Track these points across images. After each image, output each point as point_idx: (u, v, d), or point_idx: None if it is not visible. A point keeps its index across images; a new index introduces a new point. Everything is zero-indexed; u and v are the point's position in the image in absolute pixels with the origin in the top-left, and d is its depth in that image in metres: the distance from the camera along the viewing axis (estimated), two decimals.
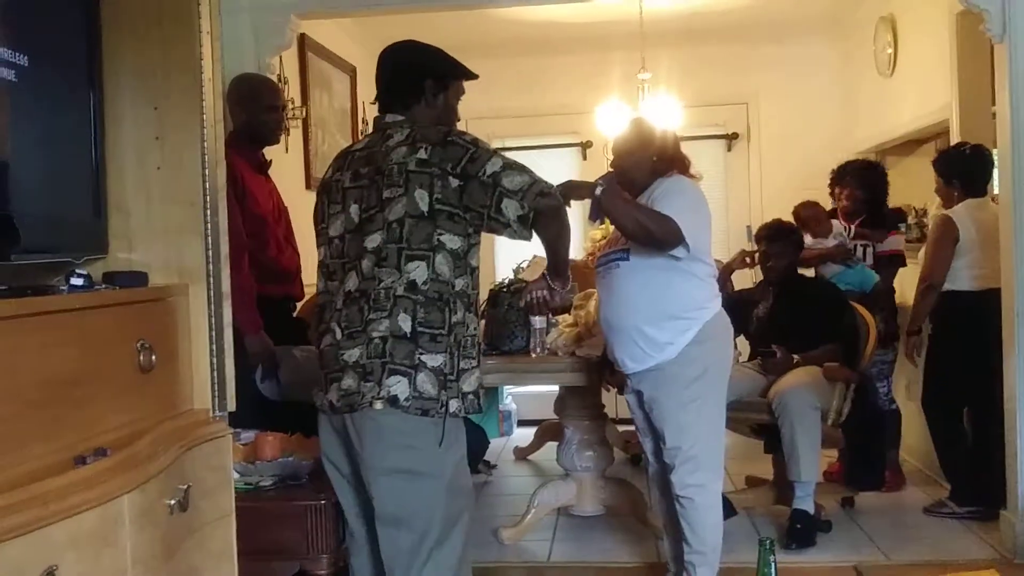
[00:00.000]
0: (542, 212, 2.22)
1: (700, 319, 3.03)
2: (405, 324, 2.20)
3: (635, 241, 3.02)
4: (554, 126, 6.80)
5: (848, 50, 6.26)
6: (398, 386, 2.18)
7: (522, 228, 2.22)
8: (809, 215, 4.82)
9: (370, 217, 2.25)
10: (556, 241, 2.37)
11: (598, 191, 2.87)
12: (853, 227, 4.76)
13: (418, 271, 2.21)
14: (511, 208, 2.19)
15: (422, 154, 2.22)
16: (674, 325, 3.02)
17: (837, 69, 6.40)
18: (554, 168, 6.82)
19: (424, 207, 2.20)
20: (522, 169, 2.25)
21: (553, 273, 2.59)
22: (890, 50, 5.44)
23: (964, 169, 4.14)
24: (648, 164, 3.13)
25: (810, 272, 4.71)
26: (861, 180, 4.75)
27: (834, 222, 4.82)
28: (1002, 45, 3.51)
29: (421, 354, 2.20)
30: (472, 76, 2.46)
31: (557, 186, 2.90)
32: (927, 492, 4.45)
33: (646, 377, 3.10)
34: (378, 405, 2.18)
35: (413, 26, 4.65)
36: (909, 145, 5.78)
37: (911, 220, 5.16)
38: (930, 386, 4.25)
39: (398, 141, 2.28)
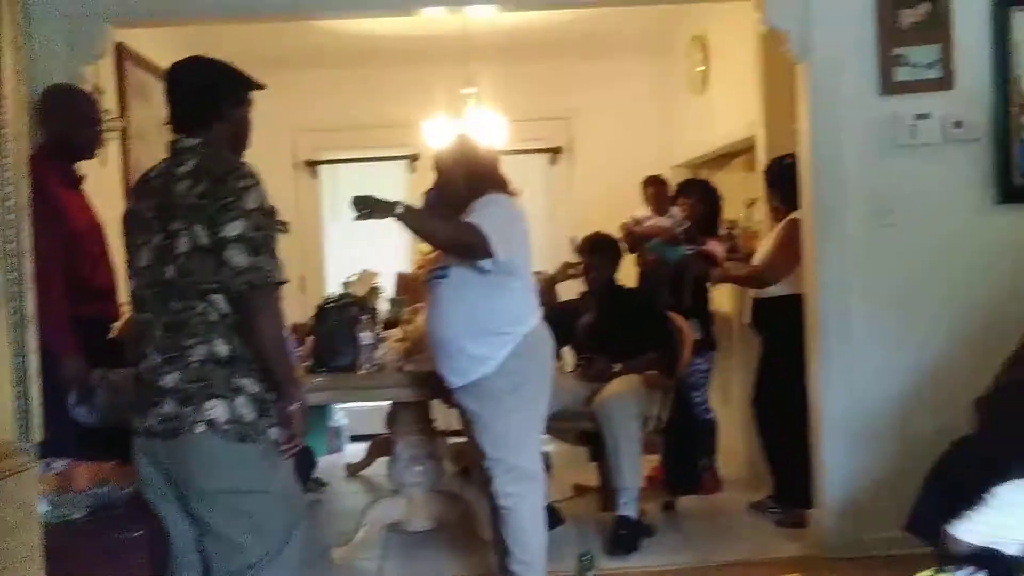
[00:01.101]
0: (250, 303, 2.14)
1: (519, 333, 3.10)
2: (222, 349, 2.19)
3: (444, 251, 3.11)
4: (382, 139, 6.77)
5: (664, 67, 6.53)
6: (216, 410, 2.17)
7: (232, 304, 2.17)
8: (653, 191, 5.19)
9: (167, 247, 2.21)
10: (259, 339, 2.17)
11: (399, 210, 2.95)
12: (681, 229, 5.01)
13: (221, 302, 2.18)
14: (225, 278, 2.14)
15: (201, 187, 2.18)
16: (493, 340, 3.08)
17: (654, 85, 6.66)
18: (383, 180, 6.85)
19: (206, 241, 2.16)
20: (258, 248, 2.14)
21: (272, 381, 2.23)
22: (702, 68, 5.71)
23: (785, 179, 4.25)
24: (467, 182, 3.18)
25: (630, 280, 4.89)
26: (703, 196, 5.01)
27: (674, 208, 5.03)
28: (803, 65, 3.73)
29: (239, 379, 2.18)
30: (261, 86, 2.43)
31: (357, 198, 2.94)
32: (744, 495, 4.66)
33: (469, 391, 3.15)
34: (199, 429, 2.16)
35: (235, 35, 4.56)
36: (722, 159, 6.07)
37: (722, 231, 5.41)
38: (762, 388, 4.42)
39: (185, 172, 2.24)
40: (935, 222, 3.67)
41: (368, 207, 2.96)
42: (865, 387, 3.69)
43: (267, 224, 2.18)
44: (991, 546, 2.36)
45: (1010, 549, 2.36)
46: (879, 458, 3.70)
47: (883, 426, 3.70)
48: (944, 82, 3.60)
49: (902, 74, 3.61)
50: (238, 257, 2.13)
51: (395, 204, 2.97)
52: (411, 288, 4.82)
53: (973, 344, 3.61)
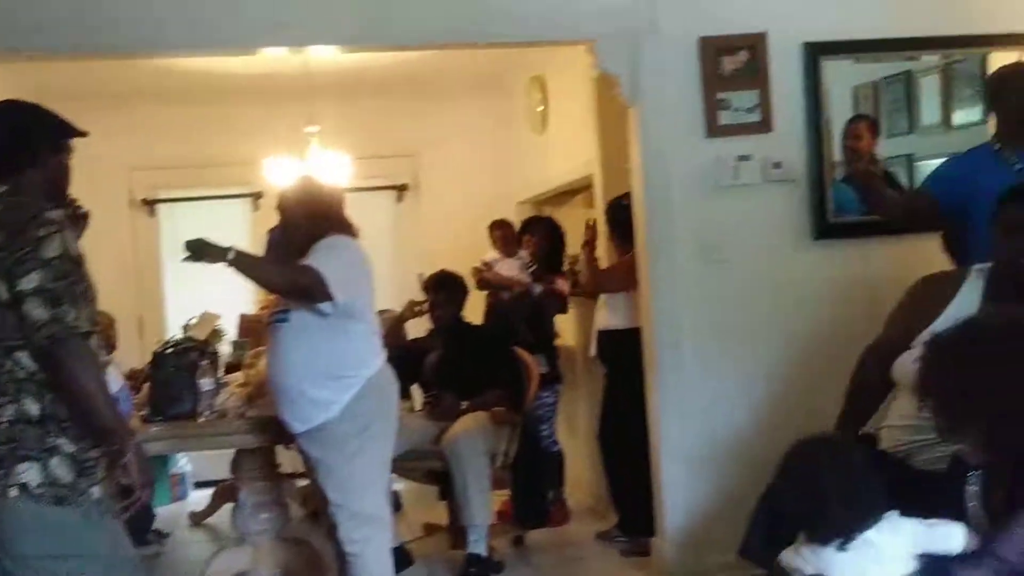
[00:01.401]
0: (56, 358, 2.03)
1: (362, 376, 3.10)
2: (32, 408, 2.06)
3: (281, 295, 3.09)
4: (225, 177, 6.61)
5: (506, 106, 6.65)
6: (28, 473, 2.04)
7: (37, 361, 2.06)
8: (500, 234, 5.27)
9: None
10: (73, 394, 2.05)
11: (231, 256, 2.94)
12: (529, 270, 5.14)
13: (26, 359, 2.06)
14: (27, 333, 2.03)
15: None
16: (336, 384, 3.07)
17: (497, 124, 6.76)
18: (226, 219, 6.70)
19: (5, 296, 2.04)
20: (59, 300, 2.02)
21: (96, 437, 2.10)
22: (541, 108, 5.86)
23: (620, 218, 4.38)
24: (310, 223, 3.17)
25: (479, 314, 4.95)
26: (546, 234, 5.17)
27: (521, 251, 5.19)
28: (634, 108, 3.89)
29: (53, 439, 2.07)
30: (82, 134, 2.33)
31: (189, 242, 2.89)
32: (592, 525, 4.75)
33: (312, 437, 3.12)
34: (11, 494, 2.04)
35: (68, 71, 4.39)
36: (563, 196, 6.22)
37: (565, 267, 5.54)
38: (606, 420, 4.52)
39: None
40: (758, 258, 3.86)
41: (198, 251, 2.91)
42: (700, 417, 3.83)
43: (71, 272, 2.05)
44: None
45: None
46: (717, 485, 3.84)
47: (719, 453, 3.85)
48: (763, 125, 3.81)
49: (725, 118, 3.80)
50: (37, 311, 2.01)
51: (227, 250, 2.94)
52: (254, 330, 4.73)
53: (799, 370, 3.82)
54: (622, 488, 4.45)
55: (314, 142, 5.65)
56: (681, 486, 3.85)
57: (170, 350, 3.91)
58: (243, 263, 2.98)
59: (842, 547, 2.06)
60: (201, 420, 3.70)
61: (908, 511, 2.18)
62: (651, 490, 3.99)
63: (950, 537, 2.07)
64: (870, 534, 2.07)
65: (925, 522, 2.10)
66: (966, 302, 2.67)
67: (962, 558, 2.05)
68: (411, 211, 6.94)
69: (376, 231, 6.46)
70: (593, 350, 4.63)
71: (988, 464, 2.17)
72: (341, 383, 3.07)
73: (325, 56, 5.33)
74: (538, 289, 5.00)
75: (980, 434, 2.10)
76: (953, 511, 2.26)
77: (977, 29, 3.94)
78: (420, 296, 4.75)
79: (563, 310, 5.21)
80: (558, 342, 5.21)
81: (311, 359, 3.06)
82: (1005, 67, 3.40)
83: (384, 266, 6.28)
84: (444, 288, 4.51)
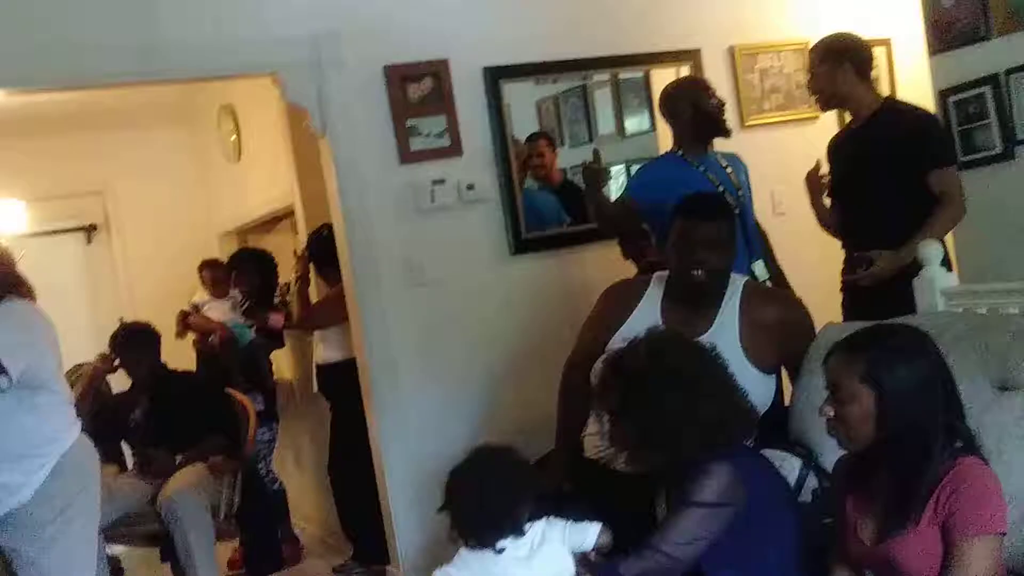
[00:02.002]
0: None
1: (55, 453, 2.84)
2: None
3: None
4: None
5: (198, 136, 6.38)
6: None
7: None
8: (209, 275, 5.06)
9: None
10: None
11: None
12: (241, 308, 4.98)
13: None
14: None
15: None
16: (24, 464, 2.79)
17: (191, 155, 6.47)
18: None
19: None
20: None
21: None
22: (234, 137, 5.67)
23: (324, 249, 4.33)
24: None
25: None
26: (259, 267, 5.02)
27: (233, 291, 5.00)
28: (325, 139, 3.84)
29: None
30: None
31: None
32: (327, 559, 4.67)
33: (2, 527, 2.81)
34: None
35: None
36: (267, 224, 6.06)
37: (277, 298, 5.40)
38: (334, 453, 4.45)
39: None
40: (462, 276, 3.93)
41: None
42: (419, 438, 3.83)
43: None
44: None
45: None
46: None
47: (442, 472, 3.88)
48: (453, 149, 3.89)
49: (416, 144, 3.84)
50: None
51: None
52: None
53: (509, 378, 3.94)
54: (354, 519, 4.40)
55: None
56: (410, 509, 3.84)
57: None
58: None
59: (498, 550, 2.17)
60: None
61: (607, 514, 2.33)
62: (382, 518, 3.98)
63: (586, 533, 2.25)
64: (529, 536, 2.20)
65: (571, 523, 2.27)
66: (648, 308, 2.89)
67: (627, 553, 2.20)
68: (104, 252, 6.48)
69: (65, 278, 6.02)
70: (315, 386, 4.55)
71: (644, 472, 2.40)
72: (30, 463, 2.79)
73: None
74: (249, 336, 4.84)
75: (632, 448, 2.35)
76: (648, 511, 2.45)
77: (641, 48, 4.23)
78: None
79: (280, 344, 5.08)
80: (276, 377, 5.08)
81: None
82: (672, 85, 3.71)
83: (78, 316, 5.86)
84: (130, 345, 4.25)
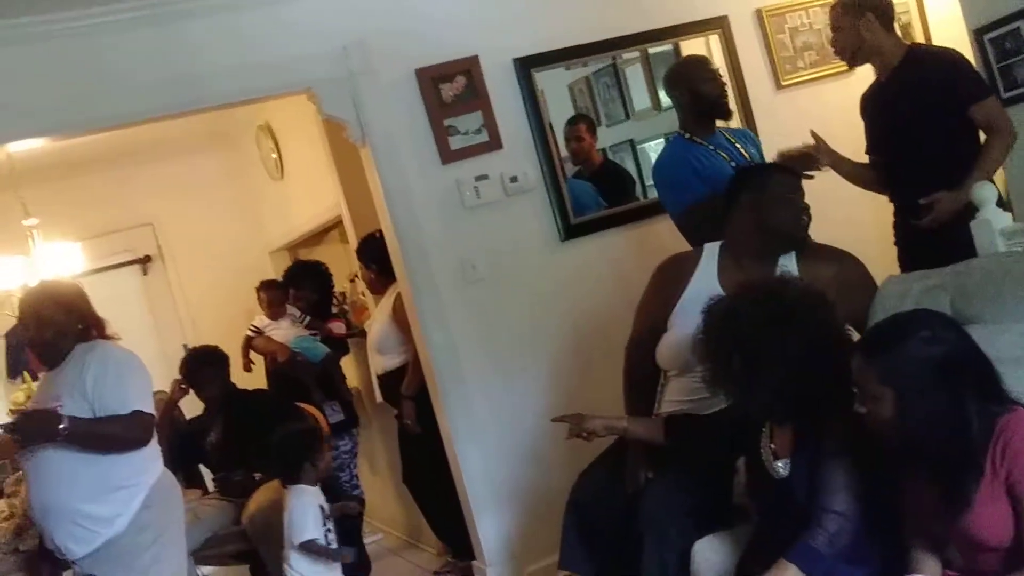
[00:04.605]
0: None
1: (146, 483, 2.94)
2: None
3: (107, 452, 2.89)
4: None
5: (239, 157, 6.46)
6: None
7: None
8: (266, 297, 5.07)
9: None
10: None
11: (63, 427, 2.79)
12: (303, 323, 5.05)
13: None
14: None
15: None
16: (119, 496, 2.90)
17: (234, 177, 6.56)
18: None
19: None
20: None
21: None
22: (275, 155, 5.74)
23: (377, 254, 4.35)
24: (75, 332, 3.01)
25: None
26: (316, 283, 5.08)
27: (291, 308, 5.06)
28: (365, 148, 3.88)
29: None
30: None
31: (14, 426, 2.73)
32: (408, 561, 4.70)
33: (97, 558, 2.91)
34: None
35: None
36: (317, 236, 6.14)
37: (336, 308, 5.48)
38: (407, 463, 4.49)
39: None
40: (515, 267, 3.96)
41: (27, 435, 2.82)
42: (492, 430, 3.89)
43: None
44: None
45: None
46: (521, 491, 3.91)
47: (516, 464, 3.93)
48: (493, 143, 3.91)
49: (456, 142, 3.87)
50: None
51: (60, 422, 2.79)
52: (10, 450, 4.35)
53: (571, 364, 3.96)
54: (442, 521, 4.44)
55: (35, 234, 5.25)
56: (489, 504, 3.89)
57: None
58: (75, 430, 2.82)
59: None
60: None
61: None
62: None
63: None
64: None
65: None
66: (704, 278, 2.88)
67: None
68: (160, 282, 6.61)
69: (126, 309, 6.11)
70: (378, 396, 4.59)
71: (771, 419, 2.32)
72: (124, 493, 2.90)
73: (23, 145, 4.99)
74: (322, 351, 4.90)
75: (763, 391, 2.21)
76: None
77: (668, 21, 4.22)
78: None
79: (345, 351, 5.14)
80: (349, 386, 5.15)
81: (88, 474, 2.87)
82: (675, 66, 3.71)
83: (142, 345, 5.90)
84: (198, 369, 4.35)
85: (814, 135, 3.36)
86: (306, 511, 3.18)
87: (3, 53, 3.37)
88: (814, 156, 3.29)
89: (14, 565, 3.40)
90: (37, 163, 5.25)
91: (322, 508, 3.23)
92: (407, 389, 4.25)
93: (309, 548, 3.16)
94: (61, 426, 2.78)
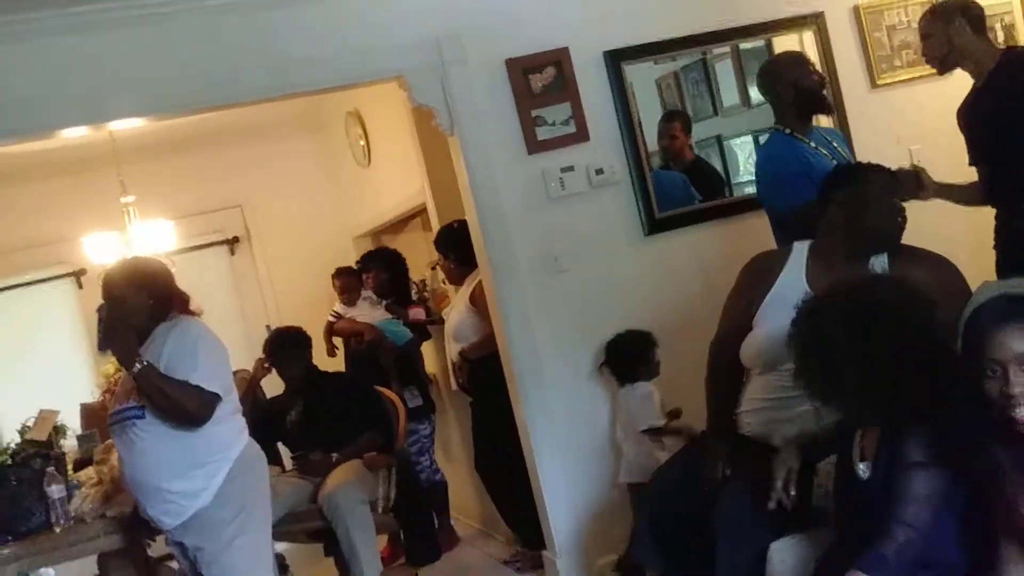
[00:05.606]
0: None
1: (229, 458, 3.02)
2: None
3: (165, 417, 2.96)
4: (41, 258, 6.27)
5: (328, 143, 6.58)
6: None
7: None
8: (340, 283, 5.22)
9: None
10: None
11: (139, 365, 2.91)
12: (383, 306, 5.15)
13: None
14: None
15: None
16: (203, 472, 2.98)
17: (322, 162, 6.68)
18: (50, 302, 6.35)
19: None
20: None
21: None
22: (363, 142, 5.82)
23: (456, 244, 4.41)
24: (146, 309, 3.07)
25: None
26: (385, 264, 5.18)
27: (366, 292, 5.18)
28: (453, 137, 3.91)
29: None
30: None
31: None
32: (481, 548, 4.74)
33: (187, 528, 3.01)
34: None
35: None
36: (400, 224, 6.21)
37: (415, 295, 5.54)
38: (481, 450, 4.51)
39: None
40: (598, 260, 3.93)
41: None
42: (568, 423, 3.88)
43: None
44: None
45: None
46: (593, 485, 3.90)
47: (590, 455, 3.91)
48: (580, 135, 3.90)
49: (543, 133, 3.87)
50: None
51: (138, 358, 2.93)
52: (100, 419, 4.49)
53: None
54: (512, 510, 4.46)
55: (132, 211, 5.42)
56: (562, 496, 3.88)
57: (8, 461, 3.67)
58: (150, 378, 2.92)
59: None
60: (58, 530, 3.49)
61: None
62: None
63: None
64: None
65: None
66: (792, 276, 2.84)
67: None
68: (246, 263, 6.77)
69: (212, 289, 6.28)
70: (454, 383, 4.63)
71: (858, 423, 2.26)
72: (209, 469, 2.99)
73: (125, 124, 5.14)
74: (406, 335, 4.96)
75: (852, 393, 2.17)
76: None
77: (762, 17, 4.15)
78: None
79: (427, 336, 5.21)
80: (426, 371, 5.21)
81: (175, 452, 2.96)
82: (770, 62, 3.64)
83: (227, 324, 6.09)
84: (283, 349, 4.43)
85: (918, 168, 3.26)
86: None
87: (116, 35, 3.49)
88: (923, 181, 3.20)
89: (104, 529, 3.50)
90: (136, 143, 5.43)
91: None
92: (469, 352, 4.29)
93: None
94: (138, 363, 2.90)
